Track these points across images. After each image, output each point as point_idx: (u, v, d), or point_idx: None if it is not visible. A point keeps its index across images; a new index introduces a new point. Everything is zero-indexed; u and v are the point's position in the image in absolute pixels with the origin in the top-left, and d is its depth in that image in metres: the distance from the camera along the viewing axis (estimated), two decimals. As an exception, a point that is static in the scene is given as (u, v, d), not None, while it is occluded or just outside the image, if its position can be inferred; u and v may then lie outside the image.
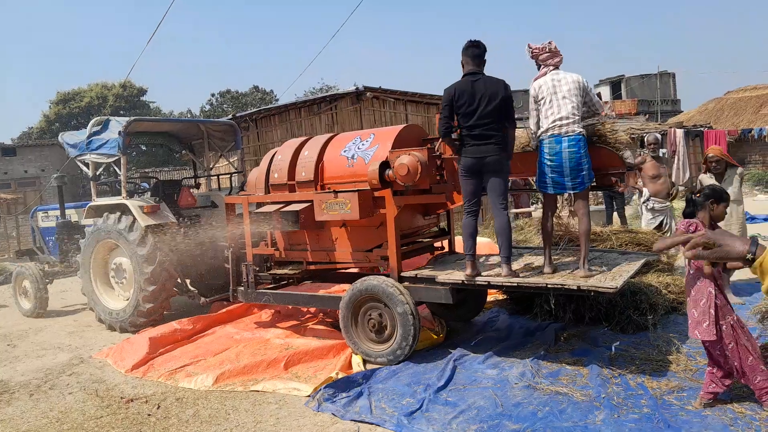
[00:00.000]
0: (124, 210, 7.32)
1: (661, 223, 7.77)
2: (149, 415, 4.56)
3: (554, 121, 4.86)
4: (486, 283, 4.95)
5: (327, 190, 5.65)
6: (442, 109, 5.00)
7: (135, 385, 5.33)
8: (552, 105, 4.88)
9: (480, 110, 4.80)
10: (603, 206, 10.71)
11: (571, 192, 4.96)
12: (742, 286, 6.93)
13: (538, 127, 5.01)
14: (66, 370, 5.91)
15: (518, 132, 5.72)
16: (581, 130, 4.84)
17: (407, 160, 5.07)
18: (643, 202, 7.96)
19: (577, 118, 4.83)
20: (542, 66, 5.05)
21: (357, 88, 11.81)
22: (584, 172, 4.82)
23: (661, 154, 8.28)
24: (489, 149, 4.82)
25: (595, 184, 5.19)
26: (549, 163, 4.91)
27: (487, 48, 5.01)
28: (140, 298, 7.03)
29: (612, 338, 5.39)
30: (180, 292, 7.65)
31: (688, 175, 17.64)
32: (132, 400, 4.89)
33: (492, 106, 4.78)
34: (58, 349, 6.78)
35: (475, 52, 4.95)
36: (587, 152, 4.85)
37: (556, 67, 5.02)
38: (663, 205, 7.74)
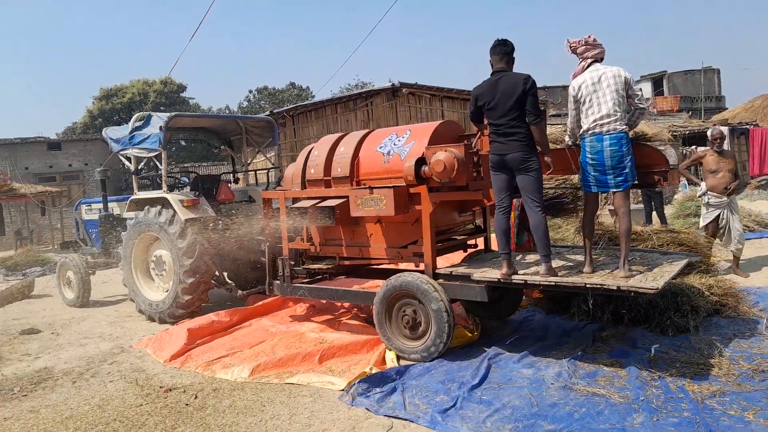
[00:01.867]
0: (164, 204, 7.46)
1: (718, 217, 7.75)
2: (187, 404, 4.65)
3: (595, 120, 4.77)
4: (523, 282, 4.89)
5: (362, 186, 5.66)
6: (469, 107, 5.12)
7: (173, 375, 5.44)
8: (593, 104, 4.78)
9: (501, 107, 4.78)
10: (642, 205, 10.47)
11: (614, 190, 4.86)
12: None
13: (579, 126, 4.93)
14: (107, 358, 6.07)
15: (549, 129, 5.62)
16: (624, 127, 4.73)
17: (444, 156, 5.04)
18: (699, 196, 8.08)
19: (619, 115, 4.72)
20: (580, 59, 4.95)
21: (392, 84, 11.81)
22: (627, 170, 4.72)
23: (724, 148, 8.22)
24: (511, 146, 4.77)
25: (636, 182, 5.08)
26: (591, 161, 4.84)
27: (516, 47, 4.97)
28: (179, 289, 7.16)
29: (651, 340, 5.27)
30: (218, 285, 7.77)
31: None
32: (170, 390, 4.99)
33: (512, 102, 4.72)
34: (100, 338, 6.96)
35: (502, 50, 4.93)
36: (630, 150, 4.74)
37: (597, 60, 4.90)
38: (719, 200, 7.74)
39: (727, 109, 35.00)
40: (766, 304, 6.12)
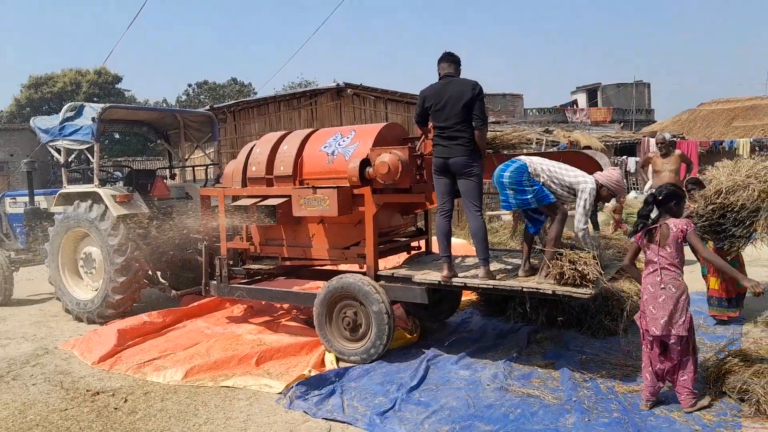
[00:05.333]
0: (95, 198, 7.17)
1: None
2: (116, 408, 4.46)
3: None
4: (462, 284, 4.96)
5: (306, 186, 5.61)
6: (416, 109, 5.18)
7: (101, 377, 5.22)
8: None
9: (448, 110, 4.84)
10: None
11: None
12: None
13: None
14: (30, 360, 5.76)
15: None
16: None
17: (388, 158, 5.05)
18: (647, 192, 8.81)
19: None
20: None
21: (338, 85, 11.76)
22: (508, 192, 4.77)
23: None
24: (454, 150, 4.83)
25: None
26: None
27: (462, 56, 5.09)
28: (109, 289, 6.89)
29: (583, 342, 5.46)
30: (151, 284, 7.52)
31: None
32: (98, 393, 4.78)
33: (459, 106, 4.79)
34: (23, 338, 6.61)
35: (450, 58, 5.04)
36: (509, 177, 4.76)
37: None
38: None
39: (656, 122, 36.71)
40: (691, 309, 6.42)
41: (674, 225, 3.94)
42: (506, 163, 4.86)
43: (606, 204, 14.87)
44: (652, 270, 4.03)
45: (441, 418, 4.00)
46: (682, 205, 4.14)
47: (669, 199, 4.05)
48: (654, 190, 4.24)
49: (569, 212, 5.06)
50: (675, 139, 23.33)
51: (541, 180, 4.72)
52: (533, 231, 5.07)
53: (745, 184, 4.59)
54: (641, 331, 4.12)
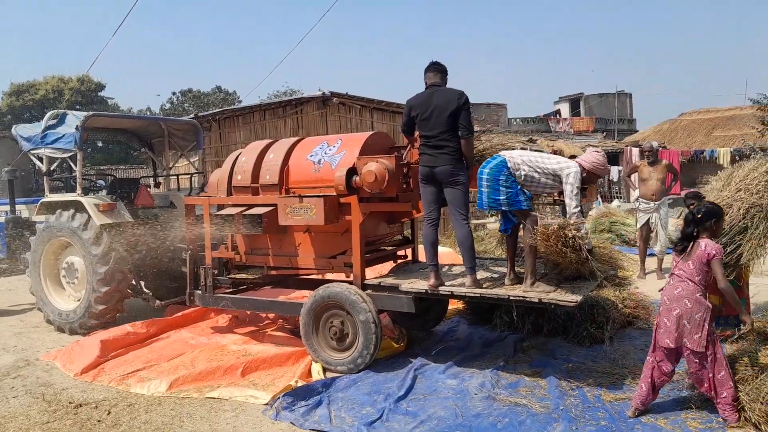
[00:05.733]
0: (78, 207, 7.08)
1: (649, 221, 8.56)
2: (99, 421, 4.39)
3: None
4: (449, 293, 4.96)
5: (292, 195, 5.59)
6: (402, 118, 5.20)
7: (84, 389, 5.14)
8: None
9: (434, 119, 4.86)
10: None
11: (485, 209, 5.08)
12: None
13: None
14: (11, 372, 5.65)
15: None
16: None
17: (375, 167, 5.05)
18: (634, 201, 9.07)
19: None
20: None
21: (323, 93, 11.75)
22: (483, 190, 4.80)
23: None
24: (440, 159, 4.85)
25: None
26: None
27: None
28: (92, 299, 6.79)
29: (569, 350, 5.47)
30: (134, 294, 7.43)
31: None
32: (81, 406, 4.70)
33: (445, 116, 4.81)
34: (3, 350, 6.49)
35: (436, 67, 5.06)
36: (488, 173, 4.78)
37: None
38: (648, 205, 8.52)
39: (638, 131, 37.15)
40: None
41: (705, 245, 3.85)
42: (489, 159, 4.91)
43: (590, 212, 15.01)
44: (672, 282, 3.99)
45: (429, 428, 3.99)
46: (720, 223, 4.07)
47: (708, 218, 3.96)
48: (693, 208, 4.12)
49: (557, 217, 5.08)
50: (661, 148, 23.68)
51: (523, 172, 4.72)
52: (503, 229, 5.12)
53: (729, 202, 4.55)
54: (652, 343, 4.03)
